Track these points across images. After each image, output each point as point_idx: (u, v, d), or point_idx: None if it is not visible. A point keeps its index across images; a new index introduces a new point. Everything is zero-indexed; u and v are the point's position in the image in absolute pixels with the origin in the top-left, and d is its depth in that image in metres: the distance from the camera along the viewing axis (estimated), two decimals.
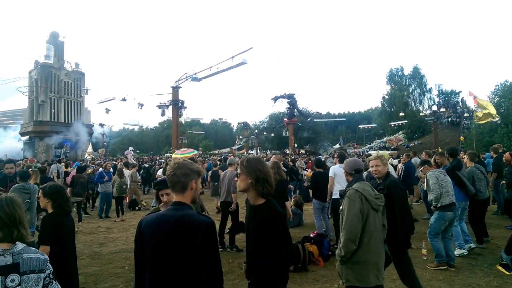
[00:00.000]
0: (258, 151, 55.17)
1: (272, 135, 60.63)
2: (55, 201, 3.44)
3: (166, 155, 49.10)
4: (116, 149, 68.77)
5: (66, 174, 15.91)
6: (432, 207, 6.12)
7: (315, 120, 55.23)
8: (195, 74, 23.40)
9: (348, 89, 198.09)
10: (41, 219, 3.52)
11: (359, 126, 71.28)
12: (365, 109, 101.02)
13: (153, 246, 2.05)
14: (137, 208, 13.28)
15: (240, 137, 65.12)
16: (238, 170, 2.65)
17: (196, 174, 2.23)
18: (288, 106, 40.14)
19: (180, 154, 17.96)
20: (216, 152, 63.44)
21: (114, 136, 70.21)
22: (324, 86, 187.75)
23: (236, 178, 7.10)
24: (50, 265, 2.08)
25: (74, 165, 17.79)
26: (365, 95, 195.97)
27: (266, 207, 2.50)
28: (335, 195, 7.20)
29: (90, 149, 42.13)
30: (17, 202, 2.12)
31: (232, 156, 8.86)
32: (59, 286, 2.10)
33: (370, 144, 63.30)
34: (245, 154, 48.20)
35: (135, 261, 2.23)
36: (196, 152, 20.01)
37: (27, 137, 36.15)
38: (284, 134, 42.65)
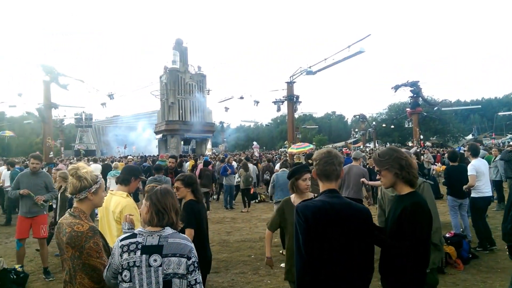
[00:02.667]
0: (377, 144, 52.63)
1: (392, 127, 57.17)
2: (195, 190, 3.77)
3: (280, 149, 50.25)
4: (234, 145, 72.87)
5: (193, 168, 17.49)
6: None
7: (442, 109, 49.95)
8: (310, 67, 23.23)
9: (481, 72, 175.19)
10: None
11: (498, 113, 62.63)
12: (505, 93, 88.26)
13: (332, 234, 2.07)
14: (256, 200, 13.82)
15: (356, 130, 62.89)
16: (376, 168, 2.51)
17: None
18: (412, 94, 36.78)
19: (296, 149, 18.20)
20: (331, 146, 62.52)
21: (232, 133, 74.53)
22: (452, 71, 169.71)
23: (363, 179, 6.77)
24: (195, 254, 2.16)
25: (203, 159, 19.47)
26: (505, 77, 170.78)
27: (414, 195, 2.33)
28: (477, 193, 6.48)
29: (209, 145, 45.50)
30: (170, 192, 2.32)
31: (356, 151, 8.51)
32: (200, 276, 2.17)
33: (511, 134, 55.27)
34: (361, 147, 46.43)
35: (304, 250, 2.14)
36: (312, 146, 19.99)
37: (160, 135, 40.71)
38: (406, 126, 39.47)
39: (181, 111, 39.80)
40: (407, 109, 39.91)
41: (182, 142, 41.06)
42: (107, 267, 2.15)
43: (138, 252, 2.04)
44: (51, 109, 21.71)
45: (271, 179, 7.94)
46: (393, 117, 57.53)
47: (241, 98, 32.68)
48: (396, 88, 36.26)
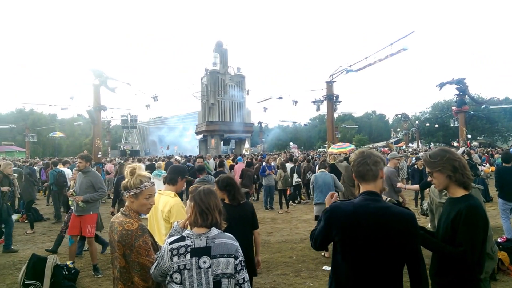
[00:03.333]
0: (420, 144, 50.74)
1: (436, 126, 54.91)
2: (229, 192, 3.75)
3: (319, 149, 49.66)
4: (272, 145, 72.89)
5: (232, 167, 17.70)
6: None
7: (491, 107, 47.34)
8: (350, 66, 22.80)
9: None
10: None
11: None
12: None
13: (371, 238, 1.97)
14: (296, 201, 13.74)
15: (398, 129, 60.96)
16: (427, 169, 2.40)
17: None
18: (457, 92, 35.10)
19: (336, 149, 17.92)
20: (371, 146, 61.00)
21: (271, 133, 74.54)
22: (501, 67, 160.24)
23: (398, 182, 6.51)
24: (242, 253, 2.19)
25: (238, 159, 19.66)
26: None
27: (469, 198, 2.22)
28: None
29: (247, 145, 45.73)
30: (213, 192, 2.35)
31: (392, 152, 8.22)
32: (247, 275, 2.20)
33: None
34: (403, 147, 44.91)
35: (340, 253, 2.09)
36: (352, 146, 19.59)
37: (201, 135, 41.53)
38: (452, 125, 37.71)
39: (221, 112, 40.39)
40: (453, 107, 38.04)
41: (221, 142, 41.65)
42: (154, 265, 2.19)
43: (188, 255, 2.07)
44: (100, 111, 22.74)
45: (311, 180, 7.86)
46: (437, 116, 55.23)
47: (280, 98, 32.59)
48: (441, 85, 34.59)
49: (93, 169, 6.75)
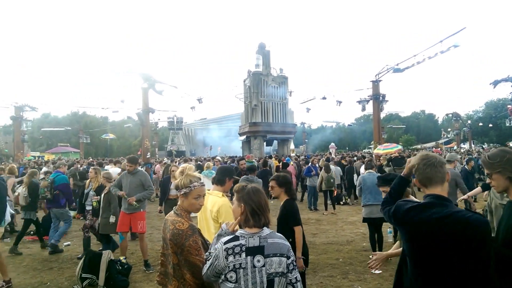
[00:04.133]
0: (472, 145, 48.10)
1: (490, 125, 51.86)
2: (288, 189, 3.79)
3: (364, 150, 48.47)
4: (315, 145, 72.06)
5: (277, 168, 17.72)
6: None
7: None
8: (397, 65, 22.05)
9: None
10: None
11: None
12: None
13: (441, 245, 1.91)
14: (341, 203, 13.49)
15: (448, 129, 58.16)
16: (486, 171, 2.27)
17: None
18: None
19: (382, 149, 17.37)
20: (419, 146, 58.64)
21: (314, 134, 73.75)
22: None
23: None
24: (293, 253, 2.20)
25: (285, 160, 19.65)
26: None
27: None
28: None
29: (292, 146, 45.49)
30: (261, 191, 2.36)
31: (451, 153, 7.83)
32: (299, 274, 2.21)
33: None
34: (455, 148, 42.77)
35: (409, 260, 2.08)
36: (399, 147, 18.92)
37: (244, 136, 41.89)
38: (507, 124, 35.43)
39: (263, 113, 40.51)
40: (508, 106, 35.68)
41: (264, 143, 41.77)
42: (207, 266, 2.20)
43: (243, 254, 2.10)
44: (148, 114, 23.62)
45: (358, 181, 7.65)
46: (491, 115, 52.09)
47: (324, 98, 32.13)
48: (495, 83, 32.54)
49: (142, 169, 7.04)
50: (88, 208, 7.34)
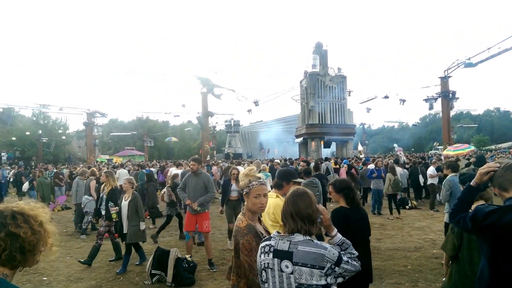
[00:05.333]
0: None
1: None
2: (347, 195, 3.60)
3: (430, 151, 45.92)
4: (376, 147, 69.66)
5: (336, 170, 17.33)
6: None
7: None
8: (469, 59, 20.57)
9: None
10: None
11: None
12: None
13: None
14: (407, 207, 12.85)
15: None
16: None
17: None
18: None
19: (452, 151, 16.32)
20: (493, 147, 54.35)
21: (374, 134, 71.46)
22: None
23: None
24: (332, 257, 1.98)
25: (343, 163, 19.19)
26: None
27: None
28: None
29: (360, 147, 44.36)
30: (307, 195, 2.18)
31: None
32: (341, 279, 2.04)
33: None
34: None
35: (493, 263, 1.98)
36: (472, 147, 17.70)
37: (301, 138, 41.59)
38: None
39: (321, 114, 39.91)
40: None
41: (322, 145, 41.16)
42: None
43: (271, 255, 2.08)
44: (208, 117, 24.34)
45: (446, 184, 6.94)
46: None
47: (386, 97, 30.76)
48: None
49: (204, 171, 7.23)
50: (103, 212, 7.13)
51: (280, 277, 2.02)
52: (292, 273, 1.98)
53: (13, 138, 42.46)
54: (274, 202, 3.45)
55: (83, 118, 34.40)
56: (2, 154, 37.82)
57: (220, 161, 30.23)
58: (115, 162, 38.17)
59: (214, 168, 19.92)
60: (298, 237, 2.06)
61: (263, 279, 2.11)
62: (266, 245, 2.14)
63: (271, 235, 2.22)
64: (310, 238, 2.10)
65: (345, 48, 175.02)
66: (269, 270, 2.06)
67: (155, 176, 17.72)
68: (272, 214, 3.41)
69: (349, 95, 41.20)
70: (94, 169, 11.50)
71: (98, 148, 45.44)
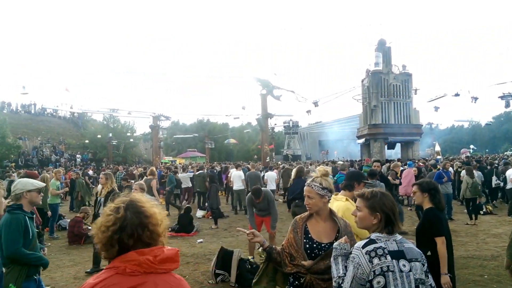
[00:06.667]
0: None
1: None
2: (433, 196, 3.50)
3: (506, 153, 42.28)
4: (445, 148, 65.48)
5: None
6: None
7: None
8: None
9: None
10: None
11: None
12: None
13: None
14: (481, 212, 11.92)
15: None
16: None
17: None
18: None
19: None
20: None
21: (443, 135, 67.32)
22: None
23: None
24: (425, 259, 2.12)
25: (407, 165, 18.29)
26: None
27: None
28: None
29: (438, 147, 42.19)
30: (389, 195, 2.27)
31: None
32: (433, 281, 2.12)
33: None
34: None
35: None
36: None
37: (363, 139, 40.30)
38: None
39: (384, 114, 38.30)
40: None
41: (385, 146, 39.56)
42: (349, 281, 2.06)
43: (388, 257, 2.01)
44: (267, 119, 24.52)
45: None
46: None
47: (457, 95, 28.76)
48: None
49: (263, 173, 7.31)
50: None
51: (401, 278, 1.99)
52: (410, 270, 2.00)
53: (86, 141, 45.81)
54: (344, 205, 3.39)
55: (149, 122, 36.33)
56: (77, 156, 41.12)
57: (279, 162, 30.31)
58: (179, 163, 39.95)
59: (275, 171, 19.92)
60: (398, 236, 2.16)
61: (379, 286, 1.98)
62: (376, 248, 2.05)
63: (371, 237, 2.13)
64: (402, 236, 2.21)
65: (410, 45, 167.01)
66: (390, 273, 1.98)
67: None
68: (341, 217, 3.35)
69: (415, 94, 39.15)
70: (153, 168, 12.00)
71: (162, 150, 47.68)
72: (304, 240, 2.68)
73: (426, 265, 2.09)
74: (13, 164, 28.88)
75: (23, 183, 3.50)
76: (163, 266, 1.44)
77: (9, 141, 30.43)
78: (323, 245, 2.66)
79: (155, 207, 1.55)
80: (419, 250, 2.12)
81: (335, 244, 2.36)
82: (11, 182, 9.73)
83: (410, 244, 2.12)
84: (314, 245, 2.66)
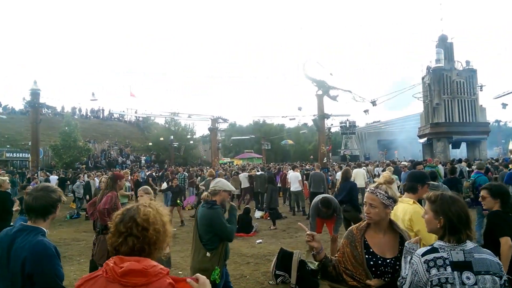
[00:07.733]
0: None
1: None
2: (505, 202, 3.34)
3: None
4: None
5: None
6: None
7: None
8: None
9: None
10: None
11: None
12: None
13: None
14: None
15: None
16: None
17: None
18: None
19: None
20: None
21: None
22: None
23: None
24: (504, 271, 1.95)
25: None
26: None
27: None
28: None
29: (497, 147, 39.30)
30: (460, 200, 2.13)
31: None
32: None
33: None
34: None
35: None
36: None
37: (425, 139, 38.42)
38: None
39: (447, 112, 36.26)
40: None
41: (450, 146, 37.42)
42: (408, 285, 2.08)
43: (449, 268, 1.92)
44: (324, 119, 24.31)
45: None
46: None
47: None
48: None
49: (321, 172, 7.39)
50: None
51: None
52: (475, 283, 1.87)
53: (150, 144, 48.49)
54: (412, 208, 3.26)
55: (208, 124, 37.48)
56: (142, 158, 43.62)
57: (335, 163, 29.85)
58: (236, 165, 40.78)
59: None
60: (469, 244, 2.00)
61: None
62: (436, 258, 1.97)
63: (434, 245, 2.05)
64: (477, 245, 2.04)
65: (473, 39, 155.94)
66: (448, 285, 1.89)
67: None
68: (408, 221, 3.21)
69: (481, 90, 36.68)
70: (212, 170, 12.44)
71: (220, 151, 48.90)
72: (366, 256, 2.44)
73: (504, 278, 1.93)
74: (84, 166, 31.50)
75: (223, 182, 4.17)
76: (125, 278, 1.43)
77: (80, 144, 33.53)
78: (388, 260, 2.44)
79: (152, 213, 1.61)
80: (497, 262, 1.96)
81: (406, 242, 2.36)
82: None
83: (484, 255, 1.95)
84: (379, 262, 2.43)
